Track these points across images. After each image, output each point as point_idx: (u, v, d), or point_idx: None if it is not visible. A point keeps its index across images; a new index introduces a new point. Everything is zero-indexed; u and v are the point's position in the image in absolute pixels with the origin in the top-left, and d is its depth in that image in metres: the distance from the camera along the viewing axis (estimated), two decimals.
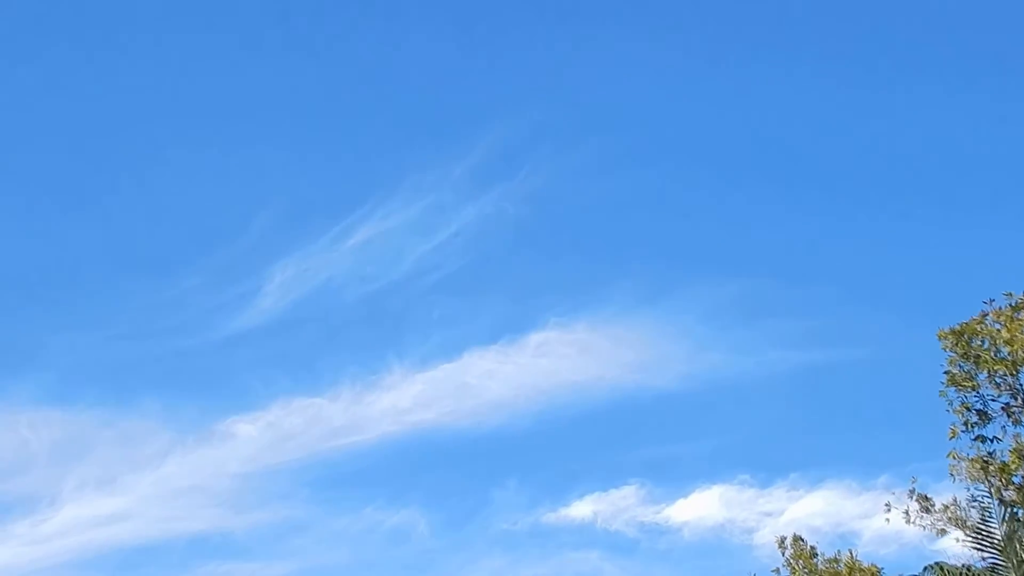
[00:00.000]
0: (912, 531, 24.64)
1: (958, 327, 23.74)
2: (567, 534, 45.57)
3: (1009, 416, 23.21)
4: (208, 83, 58.56)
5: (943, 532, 24.37)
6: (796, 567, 25.83)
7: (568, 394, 49.98)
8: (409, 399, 49.62)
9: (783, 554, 26.26)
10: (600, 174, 55.78)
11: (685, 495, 45.99)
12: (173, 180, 57.05)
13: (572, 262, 54.76)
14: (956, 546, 23.35)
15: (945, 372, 23.72)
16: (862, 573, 25.02)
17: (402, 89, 58.10)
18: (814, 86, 55.54)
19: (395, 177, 54.24)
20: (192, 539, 47.64)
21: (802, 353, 49.41)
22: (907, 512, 24.53)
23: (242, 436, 49.38)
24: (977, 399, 23.52)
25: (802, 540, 26.37)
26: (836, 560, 25.60)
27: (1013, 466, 22.66)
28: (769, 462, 45.84)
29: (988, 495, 17.24)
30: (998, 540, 16.17)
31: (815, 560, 25.85)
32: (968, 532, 21.18)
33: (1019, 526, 16.64)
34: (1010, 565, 15.80)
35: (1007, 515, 16.55)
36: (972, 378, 23.50)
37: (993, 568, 16.59)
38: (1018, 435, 23.06)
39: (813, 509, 42.78)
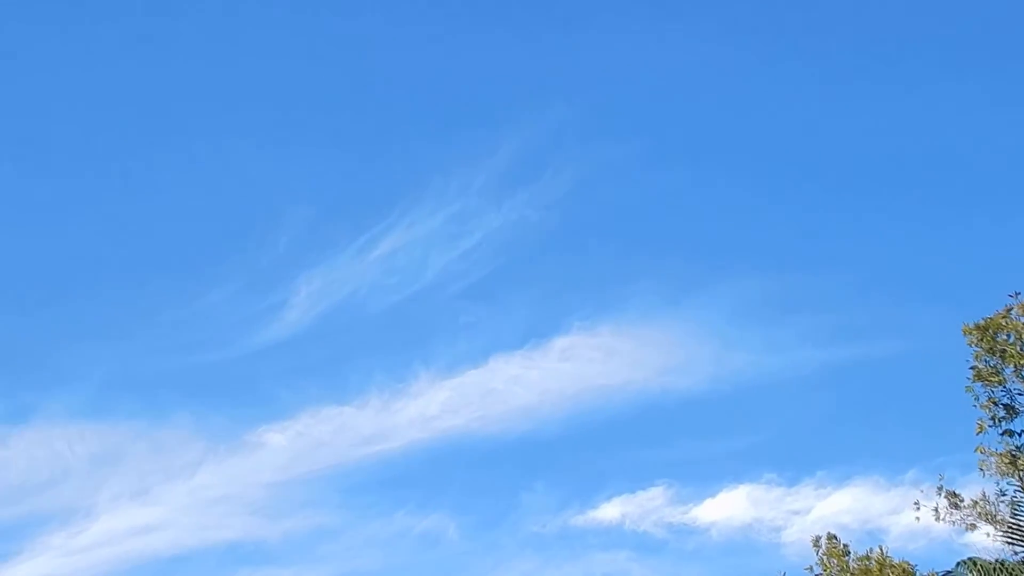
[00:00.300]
0: (941, 526, 24.66)
1: (982, 322, 23.79)
2: (595, 536, 45.70)
3: None
4: (231, 89, 59.00)
5: (973, 527, 24.40)
6: (829, 565, 25.93)
7: (594, 398, 50.14)
8: (436, 406, 49.89)
9: (816, 552, 26.37)
10: (621, 175, 56.16)
11: (712, 495, 46.03)
12: (200, 182, 57.63)
13: (595, 264, 54.88)
14: (986, 540, 23.38)
15: (971, 367, 23.75)
16: (893, 570, 25.07)
17: (424, 92, 58.38)
18: (835, 80, 55.56)
19: (419, 186, 54.57)
20: (226, 547, 47.98)
21: (827, 350, 49.42)
22: (936, 509, 24.57)
23: (273, 445, 49.84)
24: (1004, 394, 23.57)
25: (835, 538, 26.47)
26: (867, 557, 25.65)
27: None
28: (796, 460, 45.96)
29: (1018, 489, 17.30)
30: None
31: (847, 558, 25.93)
32: (999, 527, 21.29)
33: None
34: None
35: None
36: (998, 373, 23.53)
37: None
38: None
39: (841, 506, 42.77)
